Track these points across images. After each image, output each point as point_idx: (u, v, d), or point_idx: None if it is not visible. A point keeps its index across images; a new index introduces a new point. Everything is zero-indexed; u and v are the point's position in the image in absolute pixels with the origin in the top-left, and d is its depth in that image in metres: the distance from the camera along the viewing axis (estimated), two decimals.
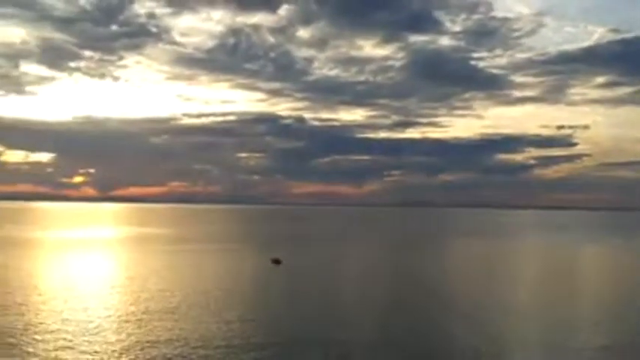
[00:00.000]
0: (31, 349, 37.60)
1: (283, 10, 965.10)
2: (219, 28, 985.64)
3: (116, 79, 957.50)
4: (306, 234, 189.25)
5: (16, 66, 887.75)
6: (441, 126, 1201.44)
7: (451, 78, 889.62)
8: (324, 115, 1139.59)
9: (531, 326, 49.16)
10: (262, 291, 65.88)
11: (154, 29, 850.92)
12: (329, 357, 37.46)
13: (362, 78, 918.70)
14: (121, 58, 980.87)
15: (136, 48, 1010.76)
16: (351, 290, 67.73)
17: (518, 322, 51.15)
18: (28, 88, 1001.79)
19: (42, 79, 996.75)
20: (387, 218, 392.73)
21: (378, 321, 49.91)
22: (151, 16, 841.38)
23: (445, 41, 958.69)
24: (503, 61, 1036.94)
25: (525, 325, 49.55)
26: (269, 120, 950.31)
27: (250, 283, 72.57)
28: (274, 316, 50.95)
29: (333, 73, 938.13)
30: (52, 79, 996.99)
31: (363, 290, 67.38)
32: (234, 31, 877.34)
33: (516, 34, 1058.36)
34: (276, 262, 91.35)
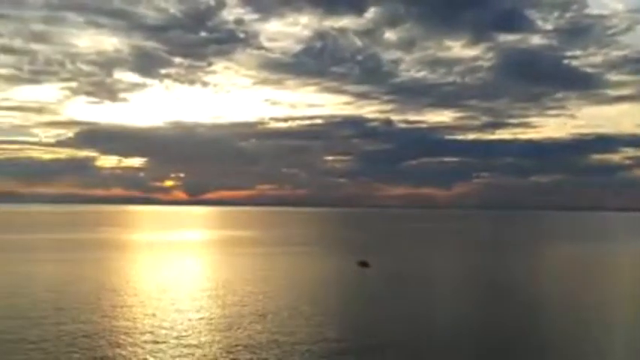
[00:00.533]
0: (122, 350, 38.05)
1: (370, 12, 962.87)
2: (306, 33, 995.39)
3: (205, 84, 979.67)
4: (394, 237, 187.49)
5: (110, 74, 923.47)
6: (533, 127, 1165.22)
7: (543, 77, 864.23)
8: (412, 117, 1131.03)
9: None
10: (349, 294, 65.11)
11: (241, 35, 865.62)
12: None
13: (450, 79, 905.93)
14: (210, 64, 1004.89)
15: (224, 54, 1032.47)
16: (440, 295, 65.96)
17: (617, 336, 48.33)
18: (121, 95, 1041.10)
19: (134, 86, 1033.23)
20: (476, 221, 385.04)
21: (468, 327, 48.19)
22: (239, 22, 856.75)
23: (536, 40, 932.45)
24: (597, 59, 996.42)
25: (630, 340, 46.76)
26: (356, 123, 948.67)
27: (337, 286, 71.92)
28: (362, 319, 50.10)
29: (421, 74, 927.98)
30: (144, 85, 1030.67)
31: (453, 295, 65.60)
32: (321, 35, 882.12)
33: (611, 31, 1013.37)
34: (364, 264, 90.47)
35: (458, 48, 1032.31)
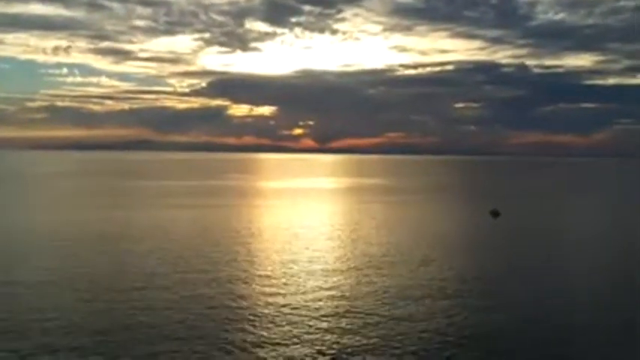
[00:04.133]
0: (251, 300, 38.86)
1: None
2: None
3: (334, 32, 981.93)
4: (527, 186, 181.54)
5: (241, 24, 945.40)
6: None
7: None
8: (548, 61, 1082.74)
9: None
10: (480, 244, 63.42)
11: None
12: (555, 325, 34.56)
13: (590, 21, 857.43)
14: (339, 11, 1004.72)
15: (354, 0, 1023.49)
16: (577, 251, 62.64)
17: None
18: (252, 45, 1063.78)
19: (265, 35, 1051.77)
20: (616, 170, 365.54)
21: (606, 289, 45.50)
22: None
23: None
24: None
25: None
26: (488, 69, 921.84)
27: (468, 235, 70.38)
28: (491, 273, 48.49)
29: (559, 17, 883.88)
30: (274, 34, 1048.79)
31: (590, 251, 62.19)
32: None
33: None
34: (495, 214, 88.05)
35: None
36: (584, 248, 61.34)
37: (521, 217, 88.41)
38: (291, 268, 46.51)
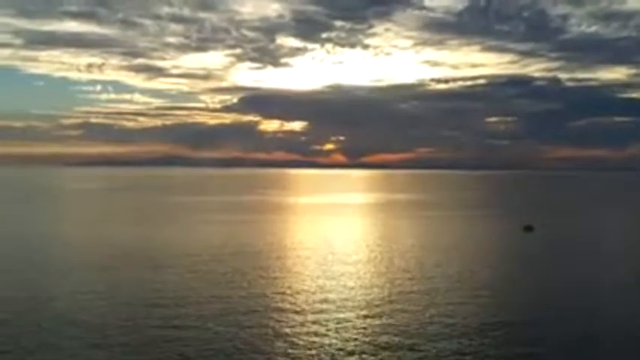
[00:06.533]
0: (280, 314, 39.38)
1: None
2: None
3: (365, 47, 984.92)
4: (561, 200, 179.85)
5: (273, 40, 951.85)
6: None
7: None
8: (581, 75, 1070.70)
9: None
10: (514, 259, 63.22)
11: None
12: (584, 336, 34.54)
13: (624, 34, 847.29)
14: (370, 26, 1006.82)
15: (385, 15, 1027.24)
16: (612, 266, 62.13)
17: None
18: (283, 60, 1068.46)
19: (296, 51, 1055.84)
20: None
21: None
22: None
23: None
24: None
25: None
26: (520, 82, 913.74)
27: (501, 250, 70.20)
28: (527, 287, 48.44)
29: (592, 29, 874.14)
30: (305, 50, 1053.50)
31: (626, 266, 61.60)
32: None
33: None
34: (529, 229, 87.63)
35: (634, 0, 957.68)
36: (619, 263, 60.81)
37: (555, 232, 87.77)
38: (326, 286, 46.95)
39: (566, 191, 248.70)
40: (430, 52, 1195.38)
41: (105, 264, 54.86)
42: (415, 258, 59.92)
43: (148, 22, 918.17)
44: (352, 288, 45.34)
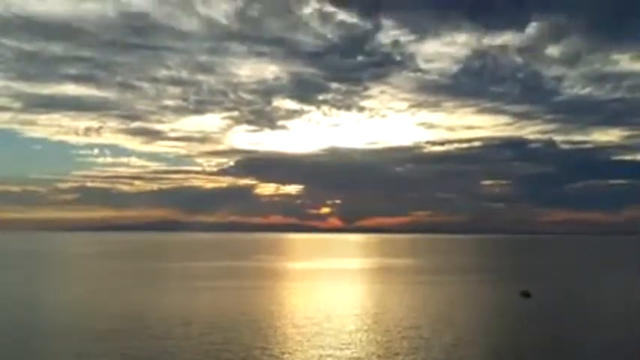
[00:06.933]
0: None
1: (531, 27, 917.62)
2: (463, 52, 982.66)
3: (361, 109, 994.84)
4: (558, 265, 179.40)
5: (269, 102, 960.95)
6: None
7: None
8: (576, 137, 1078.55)
9: None
10: (512, 327, 62.78)
11: (398, 57, 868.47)
12: None
13: (618, 95, 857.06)
14: (366, 88, 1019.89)
15: (380, 77, 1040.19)
16: (609, 332, 61.84)
17: None
18: (279, 122, 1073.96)
19: (292, 113, 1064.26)
20: None
21: None
22: (396, 44, 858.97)
23: None
24: None
25: None
26: (516, 144, 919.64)
27: (499, 316, 69.71)
28: (526, 356, 48.11)
29: (586, 91, 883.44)
30: (302, 112, 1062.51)
31: (624, 332, 61.32)
32: (480, 54, 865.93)
33: None
34: (526, 294, 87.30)
35: (626, 61, 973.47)
36: (619, 330, 60.48)
37: (553, 298, 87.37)
38: (322, 357, 46.63)
39: (563, 255, 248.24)
40: (426, 114, 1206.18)
41: (100, 332, 54.48)
42: (412, 326, 59.53)
43: (146, 84, 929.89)
44: (349, 359, 45.02)
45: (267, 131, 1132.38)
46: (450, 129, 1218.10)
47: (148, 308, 71.97)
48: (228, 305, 75.44)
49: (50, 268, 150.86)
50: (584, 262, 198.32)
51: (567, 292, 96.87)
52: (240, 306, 74.48)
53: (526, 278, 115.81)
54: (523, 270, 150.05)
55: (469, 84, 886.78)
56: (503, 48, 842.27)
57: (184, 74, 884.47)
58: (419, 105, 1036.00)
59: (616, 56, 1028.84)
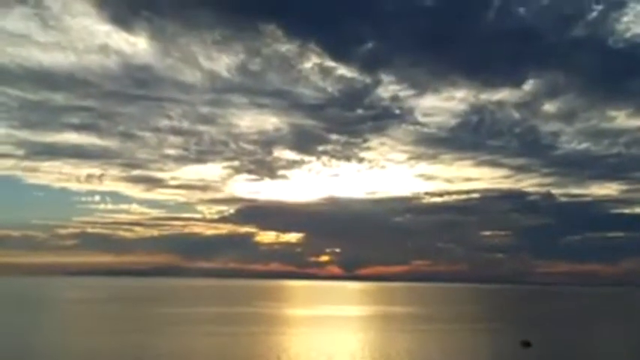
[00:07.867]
0: None
1: (528, 84, 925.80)
2: (461, 107, 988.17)
3: (361, 160, 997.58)
4: (558, 315, 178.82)
5: (270, 152, 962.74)
6: None
7: None
8: (574, 190, 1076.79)
9: None
10: None
11: (397, 111, 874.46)
12: None
13: (615, 150, 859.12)
14: (365, 140, 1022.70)
15: (380, 130, 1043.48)
16: None
17: None
18: (279, 172, 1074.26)
19: (292, 163, 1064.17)
20: None
21: None
22: (395, 98, 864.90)
23: None
24: None
25: None
26: (514, 197, 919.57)
27: None
28: None
29: (583, 146, 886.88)
30: (302, 162, 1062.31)
31: None
32: (478, 109, 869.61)
33: None
34: (526, 344, 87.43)
35: (622, 118, 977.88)
36: None
37: (554, 348, 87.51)
38: None
39: (562, 306, 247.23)
40: (424, 166, 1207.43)
41: None
42: None
43: (147, 134, 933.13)
44: None
45: (267, 180, 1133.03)
46: (449, 180, 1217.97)
47: (147, 354, 72.17)
48: (226, 351, 75.62)
49: (50, 312, 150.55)
50: (584, 312, 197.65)
51: (568, 341, 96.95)
52: (238, 351, 74.66)
53: (526, 328, 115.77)
54: (523, 319, 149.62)
55: (467, 137, 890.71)
56: (500, 103, 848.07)
57: (186, 124, 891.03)
58: (418, 157, 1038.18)
59: (612, 113, 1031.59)
